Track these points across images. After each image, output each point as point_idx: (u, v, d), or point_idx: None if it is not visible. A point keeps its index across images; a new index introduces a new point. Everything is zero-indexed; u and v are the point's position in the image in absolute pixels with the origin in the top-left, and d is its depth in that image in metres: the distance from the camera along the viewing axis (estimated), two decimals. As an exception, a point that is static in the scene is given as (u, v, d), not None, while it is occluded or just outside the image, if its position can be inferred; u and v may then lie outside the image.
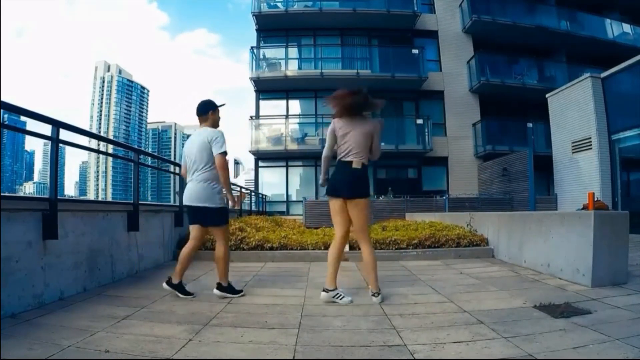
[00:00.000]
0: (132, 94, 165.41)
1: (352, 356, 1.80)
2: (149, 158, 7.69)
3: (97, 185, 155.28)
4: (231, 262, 4.64)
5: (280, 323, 2.28)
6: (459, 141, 13.99)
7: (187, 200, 2.99)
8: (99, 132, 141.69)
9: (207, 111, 3.03)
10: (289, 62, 14.19)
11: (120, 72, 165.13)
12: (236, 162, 24.67)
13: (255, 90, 14.37)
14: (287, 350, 1.86)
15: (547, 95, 11.21)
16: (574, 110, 9.99)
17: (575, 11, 14.74)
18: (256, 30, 14.67)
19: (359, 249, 4.97)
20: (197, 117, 3.05)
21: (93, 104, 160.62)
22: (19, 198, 3.14)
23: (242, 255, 4.84)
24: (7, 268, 2.31)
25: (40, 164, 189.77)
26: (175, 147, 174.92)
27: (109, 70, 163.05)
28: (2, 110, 2.44)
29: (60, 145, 2.89)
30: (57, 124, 2.81)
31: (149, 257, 4.31)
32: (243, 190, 10.48)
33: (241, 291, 3.02)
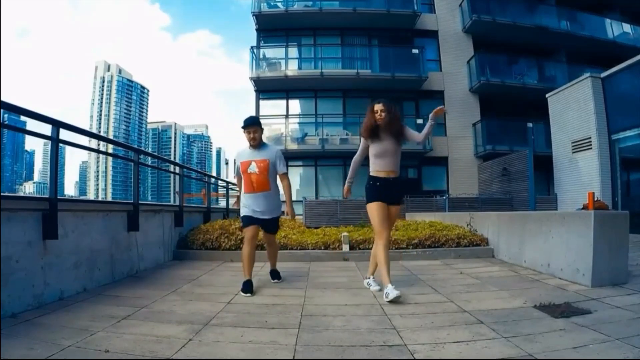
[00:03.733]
0: (132, 94, 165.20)
1: (352, 356, 1.80)
2: (149, 158, 7.69)
3: (97, 185, 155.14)
4: (231, 261, 4.68)
5: (280, 323, 2.28)
6: (459, 141, 13.98)
7: None
8: (99, 131, 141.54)
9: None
10: (289, 61, 14.16)
11: (120, 71, 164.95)
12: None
13: (255, 90, 14.35)
14: (287, 350, 1.86)
15: (547, 95, 11.20)
16: (574, 110, 9.98)
17: (575, 11, 14.71)
18: (256, 30, 14.65)
19: (359, 248, 5.02)
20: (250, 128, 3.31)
21: (93, 103, 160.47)
22: (19, 198, 3.14)
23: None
24: (7, 268, 2.31)
25: (40, 164, 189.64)
26: (175, 147, 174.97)
27: (109, 70, 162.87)
28: (2, 110, 2.44)
29: (60, 145, 2.90)
30: (57, 124, 2.81)
31: (149, 257, 4.31)
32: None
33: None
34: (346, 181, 3.34)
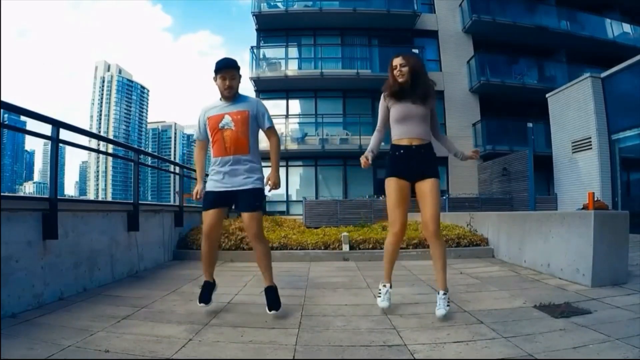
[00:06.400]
0: (132, 94, 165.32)
1: (352, 356, 1.80)
2: (149, 158, 7.69)
3: (97, 185, 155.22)
4: (231, 261, 4.68)
5: (280, 323, 2.28)
6: (459, 141, 13.91)
7: None
8: (99, 131, 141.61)
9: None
10: (289, 61, 14.17)
11: (120, 71, 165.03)
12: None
13: (255, 90, 14.35)
14: (287, 350, 1.86)
15: (547, 95, 11.20)
16: (574, 110, 9.98)
17: (575, 11, 14.71)
18: (256, 30, 14.66)
19: (359, 248, 5.00)
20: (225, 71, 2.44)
21: (93, 103, 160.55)
22: (19, 198, 3.15)
23: (242, 254, 4.83)
24: (7, 268, 2.31)
25: (40, 164, 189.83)
26: (175, 147, 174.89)
27: (109, 70, 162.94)
28: (2, 110, 2.44)
29: (60, 145, 2.90)
30: (57, 124, 2.82)
31: (149, 257, 4.31)
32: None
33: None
34: (366, 151, 2.52)
